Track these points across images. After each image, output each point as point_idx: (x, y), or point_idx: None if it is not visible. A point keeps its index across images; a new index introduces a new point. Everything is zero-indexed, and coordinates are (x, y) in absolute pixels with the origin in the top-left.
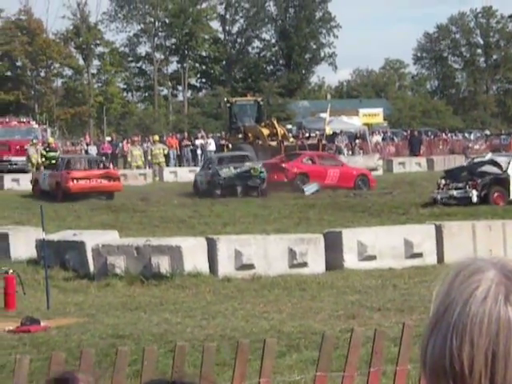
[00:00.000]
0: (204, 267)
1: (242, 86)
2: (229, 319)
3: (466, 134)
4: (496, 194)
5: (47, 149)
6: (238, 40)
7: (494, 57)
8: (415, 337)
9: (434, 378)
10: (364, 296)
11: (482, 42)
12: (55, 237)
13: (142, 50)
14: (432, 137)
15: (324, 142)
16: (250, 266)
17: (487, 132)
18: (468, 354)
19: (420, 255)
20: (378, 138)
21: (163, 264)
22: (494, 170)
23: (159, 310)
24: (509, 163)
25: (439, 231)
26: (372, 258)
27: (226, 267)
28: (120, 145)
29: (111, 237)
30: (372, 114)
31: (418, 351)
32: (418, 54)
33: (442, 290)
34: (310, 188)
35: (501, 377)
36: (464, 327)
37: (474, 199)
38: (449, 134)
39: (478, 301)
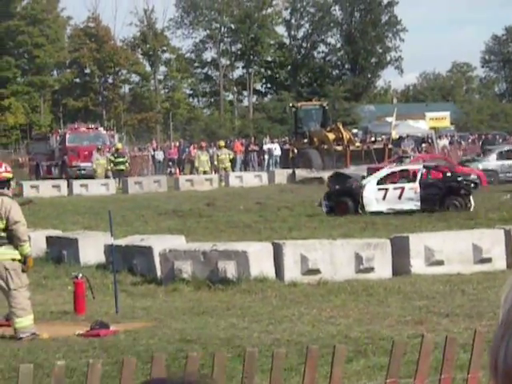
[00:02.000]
0: (270, 272)
1: (308, 90)
2: (295, 324)
3: None
4: (340, 205)
5: (115, 154)
6: (304, 45)
7: None
8: (485, 343)
9: None
10: (432, 301)
11: None
12: (123, 242)
13: (208, 55)
14: (500, 140)
15: (390, 146)
16: (316, 271)
17: None
18: None
19: (489, 260)
20: (445, 141)
21: (230, 269)
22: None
23: (226, 314)
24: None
25: (508, 236)
26: (440, 263)
27: (292, 272)
28: (186, 150)
29: (178, 242)
30: (439, 118)
31: (488, 358)
32: (486, 57)
33: (510, 295)
34: None
35: None
36: None
37: (323, 209)
38: None
39: None
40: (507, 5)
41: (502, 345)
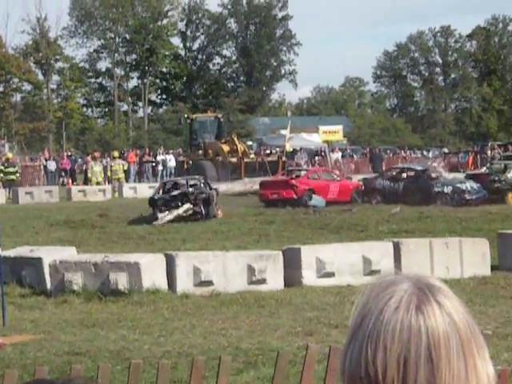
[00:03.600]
0: (162, 284)
1: (203, 102)
2: (186, 336)
3: (425, 152)
4: None
5: (5, 164)
6: (199, 56)
7: (452, 75)
8: None
9: None
10: (322, 313)
11: (440, 60)
12: (11, 253)
13: (103, 65)
14: (391, 154)
15: (284, 158)
16: (209, 283)
17: (445, 150)
18: (381, 360)
19: (378, 272)
20: (337, 155)
21: (121, 280)
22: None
23: (116, 326)
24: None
25: (397, 248)
26: (330, 274)
27: (184, 284)
28: (79, 160)
29: (69, 253)
30: (332, 131)
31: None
32: (378, 72)
33: (359, 302)
34: (318, 201)
35: (412, 381)
36: (378, 335)
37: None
38: (408, 152)
39: (391, 310)
40: (398, 22)
41: (348, 350)
